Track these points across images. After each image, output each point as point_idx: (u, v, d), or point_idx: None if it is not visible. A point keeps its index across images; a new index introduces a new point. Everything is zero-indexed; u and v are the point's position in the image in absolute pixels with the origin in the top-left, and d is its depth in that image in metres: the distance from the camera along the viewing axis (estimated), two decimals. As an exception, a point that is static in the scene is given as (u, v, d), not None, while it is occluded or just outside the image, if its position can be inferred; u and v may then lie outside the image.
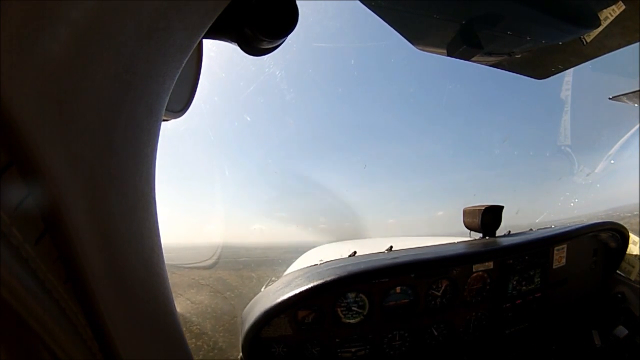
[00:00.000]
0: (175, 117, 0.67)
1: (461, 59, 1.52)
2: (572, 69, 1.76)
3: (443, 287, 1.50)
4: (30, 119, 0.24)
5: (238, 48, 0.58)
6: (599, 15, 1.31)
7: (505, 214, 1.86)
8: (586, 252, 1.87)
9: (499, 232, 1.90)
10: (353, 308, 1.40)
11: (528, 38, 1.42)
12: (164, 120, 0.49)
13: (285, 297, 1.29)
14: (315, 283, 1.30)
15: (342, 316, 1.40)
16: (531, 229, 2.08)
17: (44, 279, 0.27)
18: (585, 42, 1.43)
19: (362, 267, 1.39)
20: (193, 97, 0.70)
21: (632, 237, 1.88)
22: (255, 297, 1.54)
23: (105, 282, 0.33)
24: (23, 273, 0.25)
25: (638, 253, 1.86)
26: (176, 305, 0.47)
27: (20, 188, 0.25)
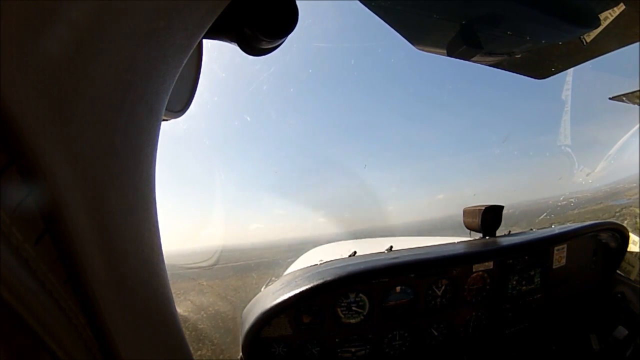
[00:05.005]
0: (175, 117, 0.67)
1: (461, 58, 1.53)
2: (572, 69, 1.76)
3: (443, 287, 1.50)
4: (30, 119, 0.24)
5: (238, 48, 0.58)
6: (599, 16, 1.31)
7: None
8: (586, 252, 1.87)
9: (499, 232, 1.90)
10: (353, 308, 1.40)
11: (528, 38, 1.43)
12: (164, 120, 0.49)
13: (285, 297, 1.29)
14: (315, 283, 1.30)
15: (342, 316, 1.40)
16: (531, 229, 2.08)
17: (44, 279, 0.27)
18: (585, 42, 1.44)
19: (362, 267, 1.39)
20: (193, 97, 0.70)
21: (632, 237, 1.88)
22: (255, 297, 1.54)
23: (105, 282, 0.33)
24: (23, 273, 0.25)
25: (638, 252, 1.86)
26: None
27: (20, 188, 0.25)
